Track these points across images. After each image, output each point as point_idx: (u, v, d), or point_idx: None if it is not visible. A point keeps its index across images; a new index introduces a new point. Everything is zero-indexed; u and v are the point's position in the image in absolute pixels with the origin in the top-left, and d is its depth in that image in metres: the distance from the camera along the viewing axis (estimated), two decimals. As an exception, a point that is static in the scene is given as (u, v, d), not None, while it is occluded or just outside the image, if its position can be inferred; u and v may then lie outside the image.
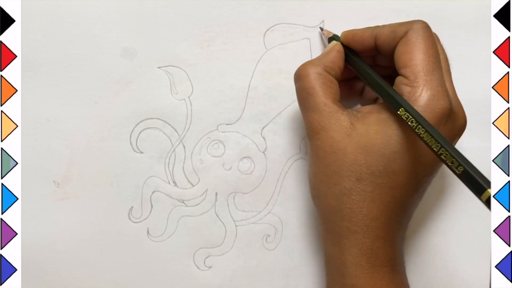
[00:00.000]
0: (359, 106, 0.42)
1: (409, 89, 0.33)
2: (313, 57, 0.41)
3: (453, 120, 0.34)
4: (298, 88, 0.36)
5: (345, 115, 0.34)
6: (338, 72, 0.37)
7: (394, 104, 0.33)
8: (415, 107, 0.32)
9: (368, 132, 0.33)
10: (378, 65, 0.40)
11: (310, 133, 0.35)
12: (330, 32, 0.40)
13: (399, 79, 0.34)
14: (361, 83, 0.41)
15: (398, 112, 0.32)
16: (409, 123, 0.32)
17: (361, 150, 0.33)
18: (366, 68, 0.36)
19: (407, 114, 0.32)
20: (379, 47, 0.36)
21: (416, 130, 0.31)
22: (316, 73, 0.35)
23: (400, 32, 0.35)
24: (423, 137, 0.31)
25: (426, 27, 0.35)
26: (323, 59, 0.36)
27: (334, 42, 0.38)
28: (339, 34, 0.38)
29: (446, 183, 0.42)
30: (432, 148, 0.31)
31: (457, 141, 0.36)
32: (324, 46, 0.41)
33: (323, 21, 0.41)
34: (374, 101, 0.41)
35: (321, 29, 0.41)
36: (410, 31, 0.34)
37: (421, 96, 0.33)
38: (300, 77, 0.36)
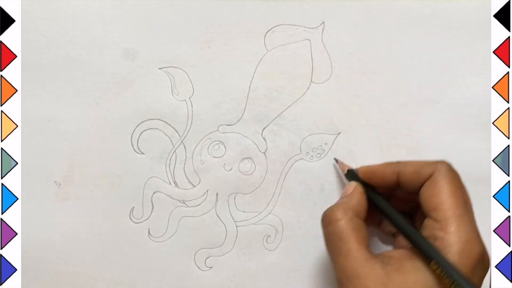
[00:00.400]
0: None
1: (442, 234, 0.33)
2: (313, 57, 0.41)
3: (484, 261, 0.33)
4: (327, 233, 0.36)
5: (379, 263, 0.33)
6: (365, 215, 0.36)
7: (426, 255, 0.32)
8: (451, 254, 0.32)
9: (406, 281, 0.32)
10: (396, 198, 0.39)
11: (343, 280, 0.34)
12: (345, 165, 0.40)
13: (429, 223, 0.34)
14: (379, 215, 0.40)
15: (430, 265, 0.32)
16: (445, 277, 0.31)
17: None
18: (393, 212, 0.36)
19: (440, 269, 0.31)
20: (402, 185, 0.36)
21: (453, 286, 0.31)
22: (347, 217, 0.35)
23: (425, 174, 0.34)
24: None
25: (451, 169, 0.35)
26: (349, 201, 0.36)
27: (353, 183, 0.38)
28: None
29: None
30: None
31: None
32: (341, 178, 0.41)
33: (323, 22, 0.41)
34: (393, 235, 0.40)
35: (336, 160, 0.41)
36: (436, 172, 0.34)
37: (457, 242, 0.32)
38: (330, 221, 0.35)
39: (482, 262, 0.33)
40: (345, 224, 0.34)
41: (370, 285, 0.32)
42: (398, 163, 0.37)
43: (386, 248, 0.42)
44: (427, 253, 0.32)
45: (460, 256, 0.32)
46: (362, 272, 0.33)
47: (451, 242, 0.32)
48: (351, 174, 0.39)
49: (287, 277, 0.43)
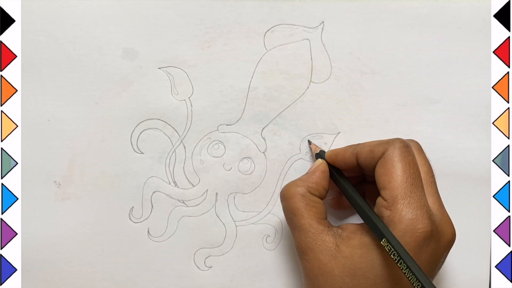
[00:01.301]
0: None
1: (388, 213, 0.33)
2: (313, 57, 0.41)
3: (437, 239, 0.34)
4: (284, 208, 0.38)
5: (330, 236, 0.35)
6: (323, 192, 0.37)
7: (377, 232, 0.33)
8: (395, 232, 0.32)
9: (352, 255, 0.34)
10: (369, 182, 0.40)
11: (299, 253, 0.36)
12: (317, 147, 0.41)
13: (379, 201, 0.35)
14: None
15: (381, 243, 0.32)
16: (391, 255, 0.32)
17: (348, 273, 0.34)
18: (351, 191, 0.37)
19: (390, 245, 0.32)
20: (361, 166, 0.37)
21: (398, 264, 0.31)
22: (300, 194, 0.36)
23: (378, 153, 0.35)
24: (405, 272, 0.31)
25: (403, 146, 0.35)
26: (307, 179, 0.37)
27: (319, 161, 0.39)
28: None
29: (446, 184, 0.42)
30: (413, 284, 0.31)
31: (446, 256, 0.35)
32: (313, 159, 0.42)
33: (323, 22, 0.41)
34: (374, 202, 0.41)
35: (310, 142, 0.42)
36: (387, 151, 0.35)
37: (400, 220, 0.33)
38: (285, 197, 0.37)
39: (430, 238, 0.33)
40: (297, 200, 0.36)
41: (321, 257, 0.35)
42: (358, 144, 0.37)
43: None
44: (377, 229, 0.33)
45: (403, 234, 0.32)
46: (315, 244, 0.35)
47: (395, 220, 0.33)
48: (321, 155, 0.40)
49: (286, 277, 0.43)
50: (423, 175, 0.35)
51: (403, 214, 0.33)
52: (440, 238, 0.34)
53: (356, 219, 0.42)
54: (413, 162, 0.35)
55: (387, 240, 0.32)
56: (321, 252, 0.35)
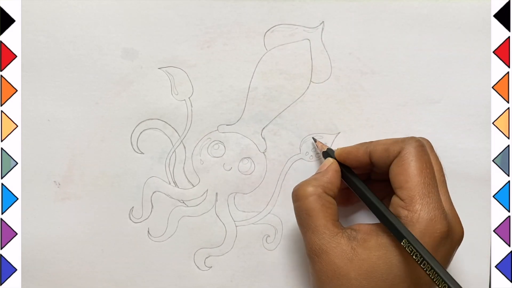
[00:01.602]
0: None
1: (406, 213, 0.33)
2: (313, 57, 0.41)
3: (452, 237, 0.34)
4: (297, 208, 0.37)
5: (345, 238, 0.34)
6: (336, 192, 0.37)
7: (396, 233, 0.33)
8: (414, 232, 0.32)
9: (370, 257, 0.34)
10: (375, 180, 0.40)
11: (311, 255, 0.35)
12: (324, 145, 0.41)
13: (395, 201, 0.34)
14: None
15: (402, 243, 0.32)
16: (413, 256, 0.32)
17: (364, 276, 0.33)
18: (365, 191, 0.37)
19: (411, 246, 0.32)
20: (374, 164, 0.37)
21: (421, 265, 0.31)
22: (316, 194, 0.36)
23: (394, 152, 0.35)
24: (429, 274, 0.31)
25: (419, 146, 0.35)
26: (321, 178, 0.37)
27: (330, 160, 0.39)
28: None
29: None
30: (439, 286, 0.31)
31: (454, 254, 0.36)
32: (318, 157, 0.42)
33: (323, 22, 0.41)
34: (382, 199, 0.40)
35: (314, 140, 0.42)
36: (403, 151, 0.34)
37: (419, 221, 0.33)
38: (299, 197, 0.36)
39: (447, 238, 0.33)
40: (313, 201, 0.35)
41: (337, 260, 0.34)
42: (370, 142, 0.37)
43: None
44: (397, 231, 0.33)
45: (422, 235, 0.32)
46: (329, 247, 0.34)
47: (414, 221, 0.33)
48: (329, 153, 0.39)
49: (286, 277, 0.43)
50: (436, 174, 0.35)
51: (421, 215, 0.33)
52: (453, 236, 0.34)
53: (364, 217, 0.42)
54: (429, 161, 0.35)
55: (408, 241, 0.32)
56: (336, 255, 0.34)
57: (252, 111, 0.42)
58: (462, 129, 0.42)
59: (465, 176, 0.42)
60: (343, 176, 0.38)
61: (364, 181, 0.38)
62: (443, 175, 0.36)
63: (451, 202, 0.36)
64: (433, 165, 0.35)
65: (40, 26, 0.40)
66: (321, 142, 0.41)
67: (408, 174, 0.34)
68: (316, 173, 0.38)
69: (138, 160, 0.42)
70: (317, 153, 0.42)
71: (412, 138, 0.35)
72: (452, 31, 0.42)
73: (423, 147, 0.35)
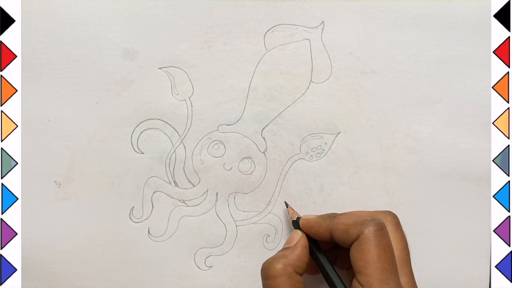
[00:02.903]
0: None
1: None
2: (313, 57, 0.41)
3: None
4: (265, 286, 0.36)
5: None
6: (305, 268, 0.36)
7: None
8: None
9: None
10: (343, 248, 0.39)
11: None
12: (294, 213, 0.40)
13: (355, 285, 0.34)
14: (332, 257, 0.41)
15: None
16: None
17: None
18: (328, 269, 0.36)
19: None
20: (337, 242, 0.36)
21: None
22: (286, 275, 0.35)
23: (353, 235, 0.34)
24: None
25: (378, 230, 0.34)
26: (290, 255, 0.36)
27: (299, 233, 0.38)
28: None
29: (446, 184, 0.42)
30: None
31: None
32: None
33: (323, 22, 0.41)
34: (348, 269, 0.40)
35: (286, 205, 0.42)
36: (362, 235, 0.34)
37: None
38: (268, 276, 0.35)
39: None
40: (283, 282, 0.35)
41: None
42: (333, 218, 0.36)
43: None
44: None
45: None
46: None
47: None
48: (297, 224, 0.39)
49: (287, 277, 0.43)
50: (398, 253, 0.35)
51: None
52: None
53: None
54: (388, 245, 0.34)
55: None
56: None
57: (252, 111, 0.42)
58: (462, 129, 0.42)
59: (465, 176, 0.42)
60: (310, 251, 0.38)
61: (332, 248, 0.38)
62: (406, 254, 0.36)
63: (414, 283, 0.35)
64: (395, 243, 0.35)
65: (40, 26, 0.40)
66: (292, 208, 0.41)
67: (367, 260, 0.33)
68: (285, 248, 0.37)
69: (138, 160, 0.42)
70: (318, 153, 0.42)
71: (371, 220, 0.35)
72: (452, 31, 0.42)
73: (382, 230, 0.34)
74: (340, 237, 0.35)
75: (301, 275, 0.36)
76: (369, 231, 0.34)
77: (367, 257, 0.33)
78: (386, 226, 0.36)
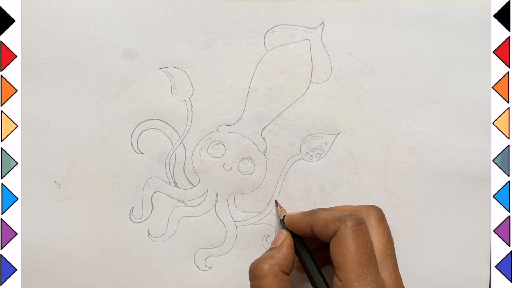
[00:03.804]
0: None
1: None
2: (313, 57, 0.41)
3: None
4: (253, 287, 0.36)
5: None
6: (292, 267, 0.37)
7: None
8: None
9: None
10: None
11: None
12: (283, 211, 0.41)
13: (335, 280, 0.34)
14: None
15: None
16: None
17: None
18: (310, 267, 0.37)
19: None
20: (318, 237, 0.36)
21: None
22: (273, 274, 0.35)
23: (331, 230, 0.34)
24: None
25: (355, 225, 0.34)
26: (277, 255, 0.37)
27: (284, 233, 0.38)
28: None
29: (446, 184, 0.42)
30: None
31: None
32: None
33: (323, 22, 0.41)
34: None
35: (276, 203, 0.42)
36: (339, 230, 0.34)
37: None
38: (256, 276, 0.36)
39: None
40: (270, 281, 0.35)
41: None
42: (314, 213, 0.37)
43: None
44: None
45: None
46: None
47: None
48: (285, 223, 0.39)
49: (286, 277, 0.43)
50: (380, 247, 0.36)
51: None
52: None
53: None
54: (366, 240, 0.34)
55: None
56: None
57: (252, 111, 0.42)
58: (462, 129, 0.42)
59: (465, 176, 0.42)
60: (296, 250, 0.38)
61: (321, 247, 0.38)
62: (390, 248, 0.36)
63: (398, 276, 0.36)
64: (378, 237, 0.36)
65: (40, 26, 0.40)
66: (281, 207, 0.41)
67: (345, 255, 0.33)
68: (271, 248, 0.38)
69: (138, 160, 0.42)
70: (318, 154, 0.42)
71: (349, 216, 0.35)
72: (452, 31, 0.42)
73: (360, 226, 0.34)
74: (320, 233, 0.35)
75: (288, 274, 0.36)
76: (345, 227, 0.34)
77: (345, 252, 0.33)
78: (368, 220, 0.36)
